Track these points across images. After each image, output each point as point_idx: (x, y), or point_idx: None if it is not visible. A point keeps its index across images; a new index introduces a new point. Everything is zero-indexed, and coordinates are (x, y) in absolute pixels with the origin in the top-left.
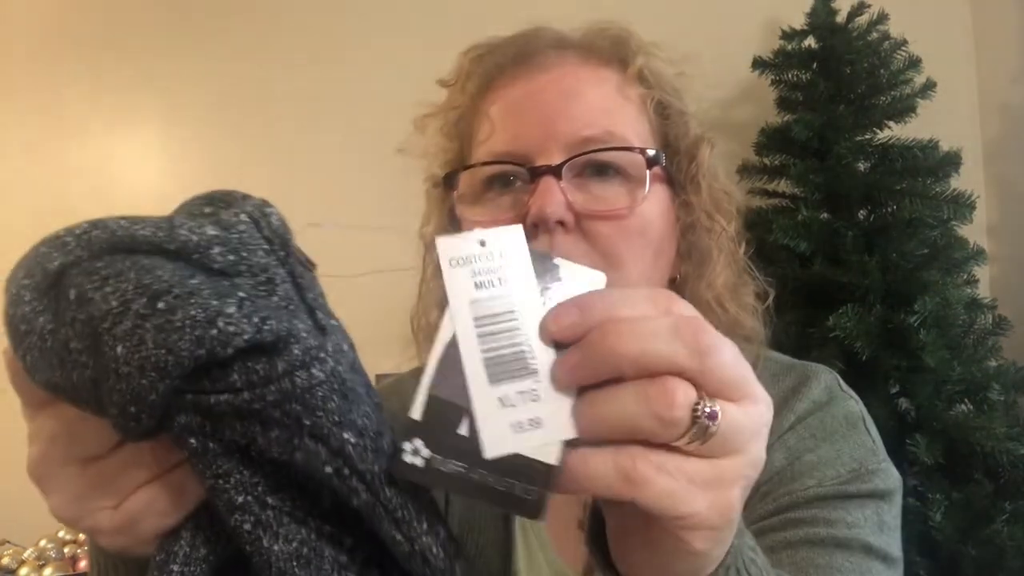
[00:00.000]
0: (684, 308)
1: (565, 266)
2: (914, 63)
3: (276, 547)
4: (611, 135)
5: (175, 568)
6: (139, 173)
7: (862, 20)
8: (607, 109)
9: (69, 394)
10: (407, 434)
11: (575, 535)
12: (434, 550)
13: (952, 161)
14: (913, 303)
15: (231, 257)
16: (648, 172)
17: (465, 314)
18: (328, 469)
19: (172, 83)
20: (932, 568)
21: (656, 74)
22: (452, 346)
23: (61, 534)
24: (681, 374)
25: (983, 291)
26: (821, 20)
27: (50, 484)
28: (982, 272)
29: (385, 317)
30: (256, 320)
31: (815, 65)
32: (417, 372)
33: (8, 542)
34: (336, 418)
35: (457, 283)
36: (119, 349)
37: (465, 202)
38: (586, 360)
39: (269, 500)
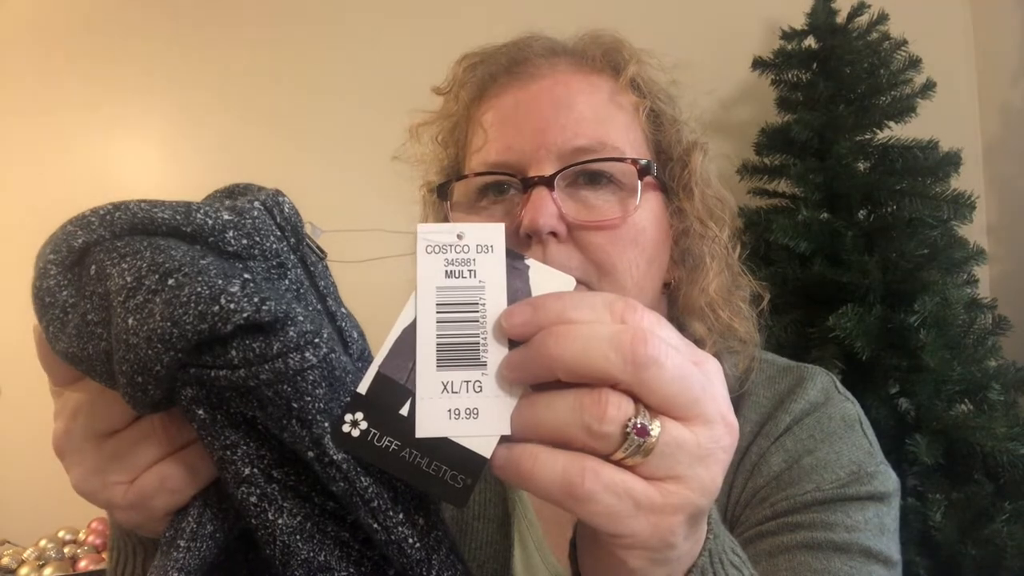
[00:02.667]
0: (641, 317)
1: (536, 268)
2: (914, 63)
3: (281, 520)
4: (603, 145)
5: (182, 543)
6: (142, 172)
7: (862, 20)
8: (599, 118)
9: (86, 365)
10: (350, 407)
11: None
12: (410, 540)
13: (952, 161)
14: (913, 303)
15: (244, 241)
16: (640, 182)
17: (430, 298)
18: (310, 454)
19: (174, 81)
20: (932, 568)
21: (648, 82)
22: (410, 329)
23: (61, 534)
24: (617, 386)
25: (983, 291)
26: (821, 20)
27: (72, 458)
28: (982, 272)
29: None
30: (256, 300)
31: (815, 65)
32: None
33: (8, 542)
34: (320, 405)
35: (428, 268)
36: (130, 321)
37: (460, 209)
38: (526, 360)
39: (274, 474)
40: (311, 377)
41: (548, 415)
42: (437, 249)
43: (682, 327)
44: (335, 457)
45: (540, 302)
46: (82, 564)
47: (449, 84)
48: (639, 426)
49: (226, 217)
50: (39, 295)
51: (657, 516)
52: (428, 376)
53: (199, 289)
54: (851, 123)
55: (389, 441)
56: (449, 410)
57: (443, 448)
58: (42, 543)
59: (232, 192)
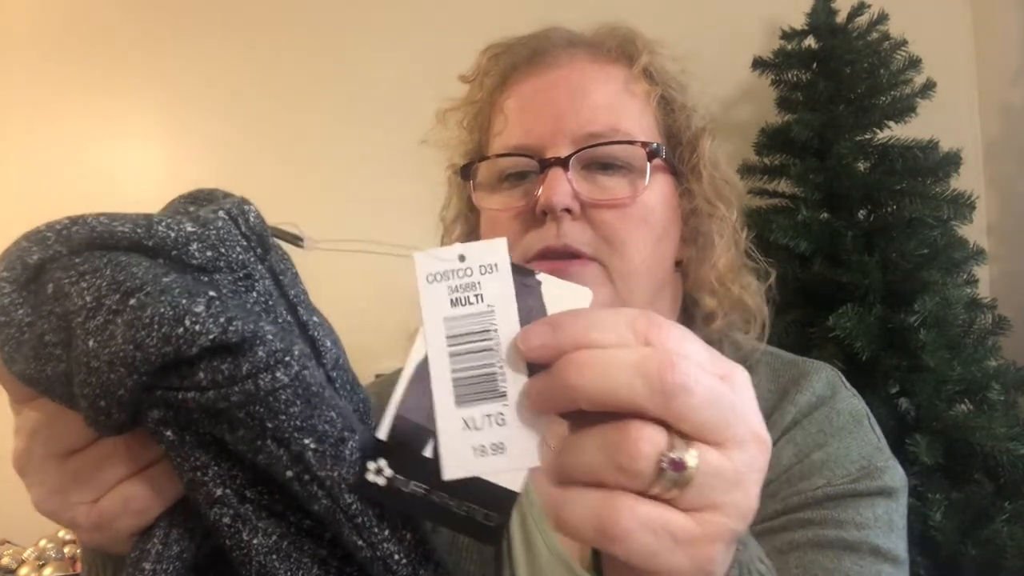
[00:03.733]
0: (667, 337)
1: (548, 282)
2: (914, 63)
3: (256, 541)
4: (615, 130)
5: (147, 566)
6: (141, 174)
7: (862, 20)
8: (613, 105)
9: (44, 387)
10: (372, 453)
11: None
12: (396, 556)
13: (952, 161)
14: (913, 303)
15: (209, 253)
16: (649, 164)
17: (438, 331)
18: (289, 473)
19: (174, 83)
20: (932, 568)
21: (660, 71)
22: (423, 366)
23: (61, 534)
24: (646, 415)
25: (983, 291)
26: (821, 20)
27: (32, 477)
28: (982, 272)
29: (387, 318)
30: (222, 320)
31: (815, 65)
32: None
33: (8, 542)
34: (298, 423)
35: (432, 299)
36: (90, 343)
37: (483, 190)
38: (547, 391)
39: (247, 493)
40: (283, 396)
41: (577, 459)
42: (439, 277)
43: (694, 302)
44: (319, 474)
45: (559, 320)
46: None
47: (474, 72)
48: (674, 460)
49: (189, 229)
50: None
51: (696, 548)
52: (448, 414)
53: (162, 310)
54: (851, 123)
55: (416, 486)
56: (474, 447)
57: (472, 487)
58: (42, 543)
59: (196, 199)
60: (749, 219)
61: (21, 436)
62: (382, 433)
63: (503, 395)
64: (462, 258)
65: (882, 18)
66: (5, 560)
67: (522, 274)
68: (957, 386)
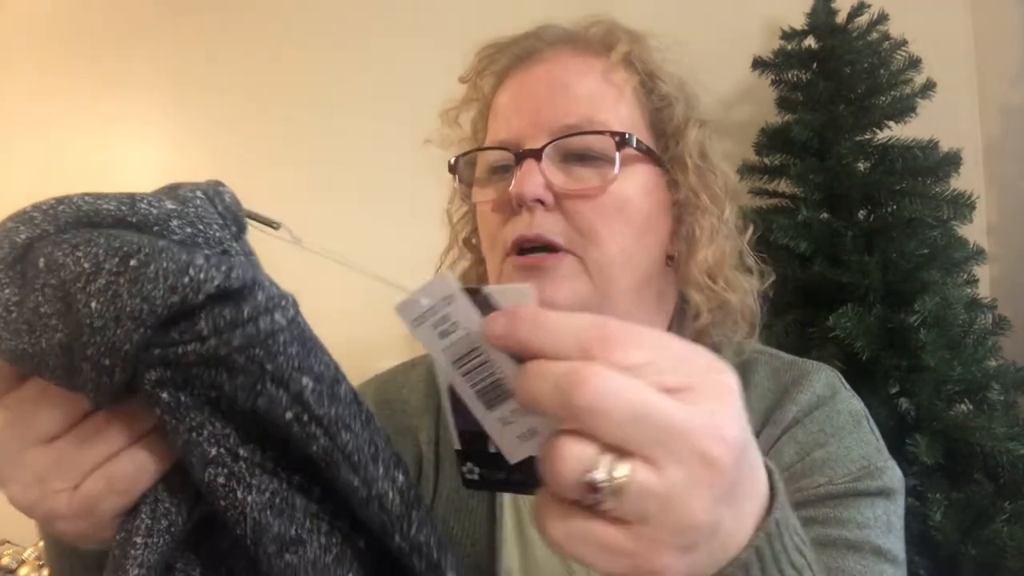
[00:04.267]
0: (611, 349)
1: (494, 291)
2: (914, 63)
3: (250, 498)
4: (591, 122)
5: (138, 541)
6: (143, 170)
7: (862, 20)
8: (591, 96)
9: (37, 360)
10: (459, 460)
11: None
12: (390, 495)
13: (952, 161)
14: (913, 303)
15: (188, 230)
16: (618, 153)
17: (445, 361)
18: (288, 415)
19: (176, 79)
20: (932, 568)
21: (641, 60)
22: (451, 389)
23: None
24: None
25: (983, 291)
26: (821, 20)
27: (8, 471)
28: (982, 272)
29: (386, 317)
30: (224, 268)
31: (815, 65)
32: (407, 365)
33: (8, 542)
34: (296, 363)
35: (426, 338)
36: (93, 305)
37: (478, 185)
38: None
39: (240, 452)
40: (282, 338)
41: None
42: (419, 320)
43: (685, 299)
44: (317, 412)
45: (514, 315)
46: None
47: (470, 73)
48: (595, 479)
49: (170, 206)
50: None
51: (633, 559)
52: (486, 418)
53: (165, 264)
54: (851, 123)
55: (499, 474)
56: (518, 436)
57: (531, 462)
58: (42, 543)
59: (169, 191)
60: (749, 219)
61: None
62: (456, 445)
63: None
64: (424, 300)
65: (882, 18)
66: (5, 560)
67: (473, 293)
68: (957, 386)
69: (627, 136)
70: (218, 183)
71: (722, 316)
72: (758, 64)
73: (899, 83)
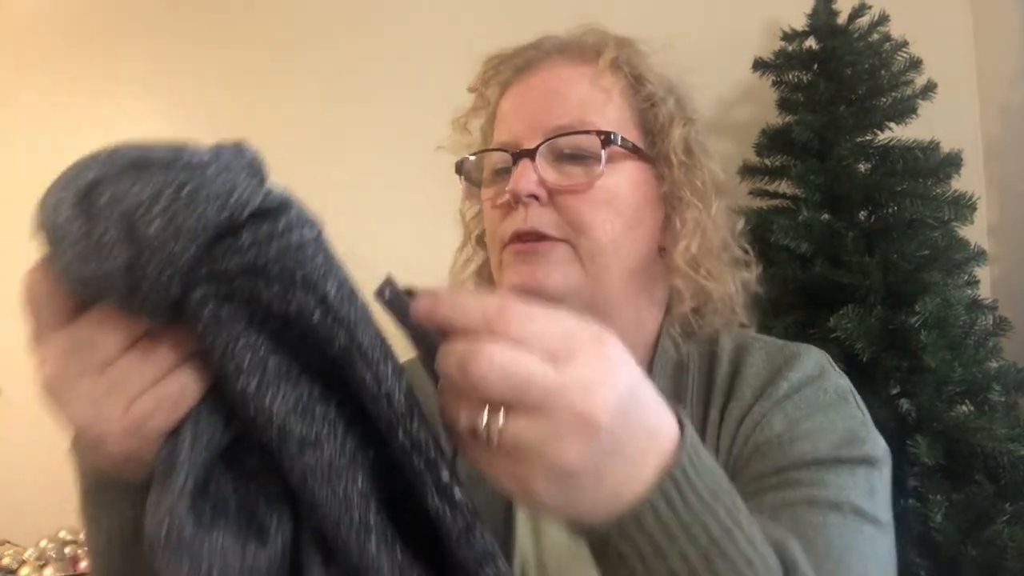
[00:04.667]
0: (507, 322)
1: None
2: (915, 64)
3: (276, 405)
4: (581, 123)
5: (182, 454)
6: None
7: (863, 21)
8: (581, 100)
9: (103, 284)
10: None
11: None
12: (396, 394)
13: (953, 162)
14: (914, 304)
15: (223, 175)
16: (604, 151)
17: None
18: (316, 317)
19: (179, 77)
20: (932, 569)
21: (628, 64)
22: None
23: (62, 534)
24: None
25: (984, 292)
26: (822, 21)
27: (66, 395)
28: (983, 273)
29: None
30: (263, 190)
31: (816, 66)
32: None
33: (8, 542)
34: (322, 271)
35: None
36: (154, 226)
37: (485, 185)
38: None
39: (270, 362)
40: (310, 250)
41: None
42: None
43: (673, 290)
44: (340, 313)
45: (438, 297)
46: (82, 564)
47: (478, 82)
48: (479, 427)
49: (207, 156)
50: (52, 230)
51: (514, 482)
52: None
53: (215, 188)
54: (852, 124)
55: None
56: None
57: None
58: (42, 543)
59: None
60: (749, 219)
61: (51, 361)
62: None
63: None
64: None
65: (883, 19)
66: (5, 560)
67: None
68: (958, 387)
69: (612, 135)
70: (243, 141)
71: (704, 303)
72: (759, 65)
73: (900, 84)
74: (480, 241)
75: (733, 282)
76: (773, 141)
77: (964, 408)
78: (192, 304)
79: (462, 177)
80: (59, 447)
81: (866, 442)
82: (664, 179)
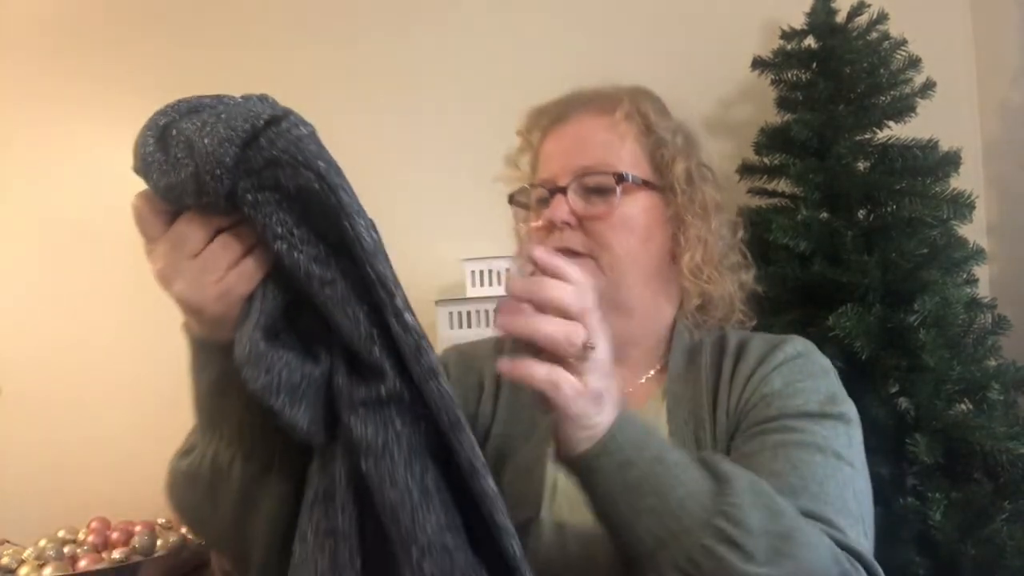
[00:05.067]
0: (539, 287)
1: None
2: (914, 63)
3: (302, 258)
4: (603, 163)
5: (256, 305)
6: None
7: (862, 20)
8: (603, 145)
9: (180, 189)
10: None
11: None
12: (365, 237)
13: (952, 161)
14: (913, 302)
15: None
16: (619, 187)
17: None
18: (316, 186)
19: (181, 81)
20: (931, 567)
21: (640, 114)
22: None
23: (61, 534)
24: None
25: (983, 291)
26: (821, 20)
27: (175, 278)
28: (982, 272)
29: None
30: (269, 103)
31: (815, 65)
32: (489, 341)
33: (8, 542)
34: (315, 153)
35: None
36: (205, 140)
37: (533, 211)
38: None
39: (295, 230)
40: (306, 142)
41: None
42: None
43: (684, 290)
44: (331, 181)
45: (530, 283)
46: (82, 564)
47: (524, 128)
48: (592, 343)
49: (238, 98)
50: (145, 158)
51: (557, 390)
52: None
53: (240, 112)
54: (851, 123)
55: None
56: None
57: None
58: (42, 543)
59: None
60: (748, 218)
61: (160, 258)
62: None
63: None
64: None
65: (882, 18)
66: (5, 560)
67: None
68: (957, 386)
69: (625, 174)
70: (265, 96)
71: (708, 301)
72: (758, 64)
73: (899, 83)
74: None
75: (732, 284)
76: (772, 140)
77: (963, 406)
78: (239, 196)
79: (515, 206)
80: (58, 447)
81: (844, 403)
82: (670, 204)
